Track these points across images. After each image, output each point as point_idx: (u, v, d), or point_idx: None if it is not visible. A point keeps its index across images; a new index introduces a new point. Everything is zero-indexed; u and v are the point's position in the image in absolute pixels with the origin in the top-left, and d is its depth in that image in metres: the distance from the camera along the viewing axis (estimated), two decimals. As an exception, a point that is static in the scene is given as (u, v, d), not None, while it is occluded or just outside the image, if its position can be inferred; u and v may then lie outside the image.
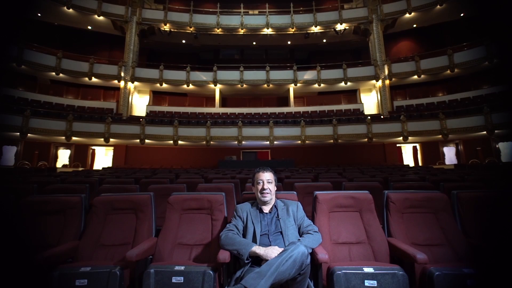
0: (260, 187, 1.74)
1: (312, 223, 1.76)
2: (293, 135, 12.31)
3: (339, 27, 14.95)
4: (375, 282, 1.37)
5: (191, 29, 14.98)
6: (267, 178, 1.76)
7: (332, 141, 12.19)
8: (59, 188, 3.18)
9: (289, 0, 15.62)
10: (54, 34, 14.79)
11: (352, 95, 15.87)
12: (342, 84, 14.48)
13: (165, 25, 14.79)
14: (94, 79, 13.77)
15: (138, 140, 12.03)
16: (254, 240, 1.62)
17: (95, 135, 11.53)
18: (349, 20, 14.86)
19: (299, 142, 12.32)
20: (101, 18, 14.00)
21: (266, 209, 1.76)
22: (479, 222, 1.93)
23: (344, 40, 15.99)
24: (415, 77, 13.63)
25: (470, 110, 11.08)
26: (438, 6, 13.06)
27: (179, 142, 12.29)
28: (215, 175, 5.68)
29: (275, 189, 1.82)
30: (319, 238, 1.63)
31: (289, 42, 16.60)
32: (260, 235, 1.64)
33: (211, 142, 12.28)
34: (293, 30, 15.12)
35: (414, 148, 13.39)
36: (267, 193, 1.72)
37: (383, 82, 13.93)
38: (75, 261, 1.78)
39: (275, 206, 1.78)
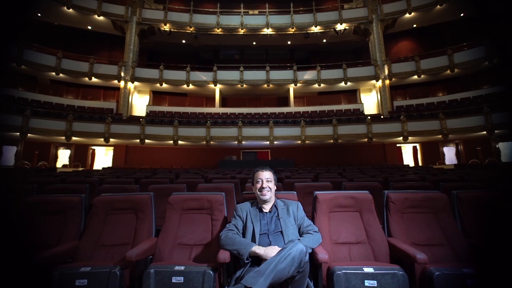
0: (259, 185, 1.74)
1: (312, 223, 1.76)
2: (293, 135, 12.30)
3: (339, 27, 14.95)
4: (375, 282, 1.37)
5: (191, 29, 14.99)
6: (266, 177, 1.76)
7: (332, 141, 12.19)
8: (59, 188, 3.18)
9: (289, 0, 15.62)
10: (54, 34, 14.79)
11: (352, 95, 15.87)
12: (342, 84, 14.48)
13: (165, 25, 14.79)
14: (94, 79, 13.77)
15: (138, 140, 12.03)
16: (254, 240, 1.62)
17: (95, 135, 11.53)
18: (349, 20, 14.86)
19: (299, 142, 12.32)
20: (101, 18, 14.01)
21: (266, 208, 1.76)
22: (479, 222, 1.93)
23: (344, 40, 15.99)
24: (415, 77, 13.62)
25: (470, 110, 11.08)
26: (438, 6, 13.06)
27: (179, 142, 12.29)
28: (215, 175, 5.68)
29: (275, 188, 1.82)
30: (319, 238, 1.63)
31: (289, 42, 16.60)
32: (260, 234, 1.64)
33: (211, 142, 12.28)
34: (293, 30, 15.12)
35: (414, 148, 13.39)
36: (267, 191, 1.72)
37: (383, 82, 13.93)
38: (75, 261, 1.78)
39: (275, 205, 1.77)
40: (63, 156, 12.85)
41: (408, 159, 13.63)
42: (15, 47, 11.91)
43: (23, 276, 1.58)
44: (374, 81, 14.29)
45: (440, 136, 11.20)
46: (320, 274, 1.52)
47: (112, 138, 11.73)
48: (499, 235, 1.79)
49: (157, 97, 15.86)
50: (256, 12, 16.49)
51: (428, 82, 14.38)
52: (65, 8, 13.16)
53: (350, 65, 14.58)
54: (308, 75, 14.68)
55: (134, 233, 1.94)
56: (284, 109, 14.90)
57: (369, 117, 12.31)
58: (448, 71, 12.94)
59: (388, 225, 1.89)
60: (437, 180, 3.76)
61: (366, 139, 11.99)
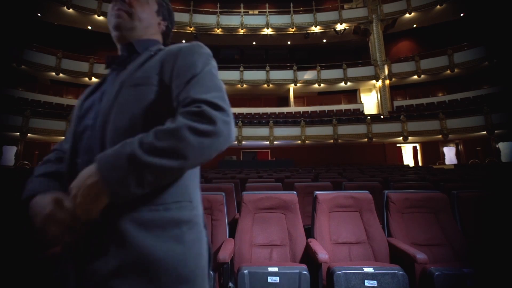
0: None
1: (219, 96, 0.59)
2: (293, 135, 12.30)
3: (339, 27, 14.95)
4: (375, 282, 1.37)
5: (191, 29, 14.98)
6: None
7: (332, 141, 12.19)
8: (59, 188, 3.16)
9: (289, 0, 15.62)
10: (54, 34, 14.78)
11: (352, 95, 15.87)
12: (342, 84, 14.48)
13: (165, 25, 14.77)
14: (94, 79, 13.76)
15: (138, 140, 12.02)
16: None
17: (95, 135, 11.52)
18: (349, 20, 14.86)
19: (299, 142, 12.32)
20: (101, 18, 13.99)
21: (120, 52, 0.74)
22: (479, 222, 1.93)
23: (344, 40, 15.99)
24: (415, 77, 13.63)
25: (470, 110, 11.07)
26: (438, 6, 13.06)
27: (179, 142, 12.27)
28: (215, 175, 5.68)
29: (155, 19, 0.78)
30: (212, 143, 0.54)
31: (289, 42, 16.60)
32: (74, 125, 0.65)
33: (211, 142, 12.26)
34: (293, 30, 15.12)
35: (414, 148, 13.39)
36: (120, 9, 0.70)
37: (383, 82, 13.93)
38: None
39: (134, 45, 0.71)
40: (63, 156, 12.84)
41: (408, 159, 13.63)
42: (15, 47, 11.92)
43: (24, 276, 1.58)
44: (374, 81, 14.29)
45: (440, 136, 11.20)
46: (320, 274, 1.52)
47: (112, 138, 11.71)
48: (499, 235, 1.79)
49: (157, 97, 15.84)
50: (256, 12, 16.48)
51: (428, 82, 14.38)
52: (65, 8, 13.16)
53: (350, 65, 14.58)
54: (308, 75, 14.69)
55: (134, 233, 1.93)
56: (284, 109, 14.90)
57: (369, 117, 12.32)
58: (448, 71, 12.94)
59: (388, 225, 1.89)
60: (437, 180, 3.76)
61: (366, 139, 11.99)
